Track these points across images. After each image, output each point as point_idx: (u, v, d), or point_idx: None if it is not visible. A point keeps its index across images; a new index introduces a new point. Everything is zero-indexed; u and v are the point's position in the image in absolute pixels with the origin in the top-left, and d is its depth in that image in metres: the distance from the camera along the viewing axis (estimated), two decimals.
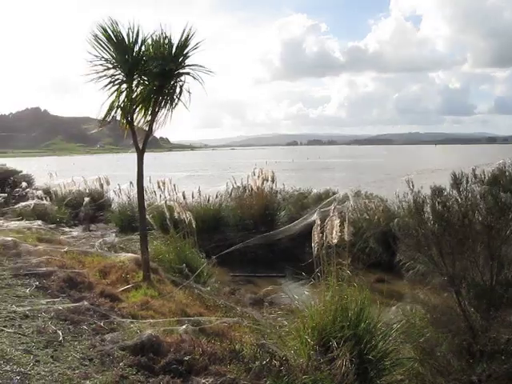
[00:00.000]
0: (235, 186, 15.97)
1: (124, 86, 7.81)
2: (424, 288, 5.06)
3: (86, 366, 4.61)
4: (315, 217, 6.07)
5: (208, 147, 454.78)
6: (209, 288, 8.98)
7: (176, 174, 31.81)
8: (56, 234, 12.79)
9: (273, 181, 15.27)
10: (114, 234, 14.61)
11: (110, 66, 7.77)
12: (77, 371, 4.44)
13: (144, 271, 8.14)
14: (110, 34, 7.56)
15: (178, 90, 7.92)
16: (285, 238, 12.80)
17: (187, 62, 7.87)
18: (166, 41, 7.68)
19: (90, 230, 16.41)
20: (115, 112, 7.94)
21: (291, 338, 5.57)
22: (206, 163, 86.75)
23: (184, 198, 13.41)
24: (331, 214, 5.83)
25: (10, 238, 9.60)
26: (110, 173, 24.41)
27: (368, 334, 5.22)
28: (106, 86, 7.74)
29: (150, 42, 7.72)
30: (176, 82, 7.91)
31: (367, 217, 12.81)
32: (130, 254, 9.62)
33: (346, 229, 5.75)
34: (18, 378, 4.21)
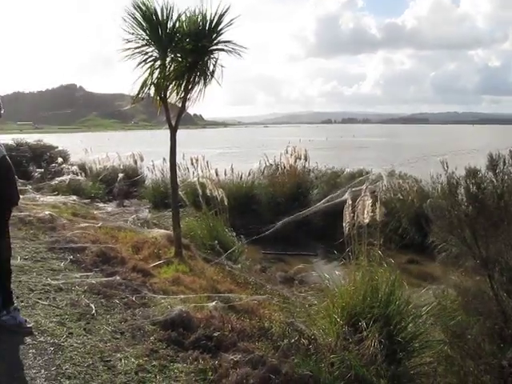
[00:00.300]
0: (268, 164, 15.93)
1: (158, 62, 7.82)
2: (456, 270, 4.98)
3: (118, 339, 4.70)
4: (347, 196, 6.02)
5: (241, 124, 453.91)
6: (240, 265, 9.02)
7: (209, 150, 31.85)
8: (90, 209, 12.99)
9: (306, 159, 15.20)
10: (147, 210, 14.79)
11: (145, 42, 7.78)
12: (108, 344, 4.54)
13: (176, 247, 8.23)
14: (143, 11, 7.56)
15: (211, 66, 7.90)
16: (316, 217, 12.76)
17: (221, 38, 7.84)
18: (200, 17, 7.64)
19: (124, 206, 16.61)
20: (149, 89, 7.98)
21: (320, 317, 5.57)
22: (239, 140, 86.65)
23: (217, 175, 13.44)
24: (363, 194, 5.78)
25: (46, 213, 9.77)
26: (144, 149, 24.54)
27: (398, 315, 5.19)
28: (140, 63, 7.77)
29: (184, 19, 7.69)
30: (209, 58, 7.89)
31: (401, 197, 12.67)
32: (162, 230, 9.72)
33: (378, 209, 5.70)
34: (52, 349, 4.32)
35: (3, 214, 4.81)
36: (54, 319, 4.99)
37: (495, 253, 4.46)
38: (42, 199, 12.44)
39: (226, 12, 7.63)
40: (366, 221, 5.61)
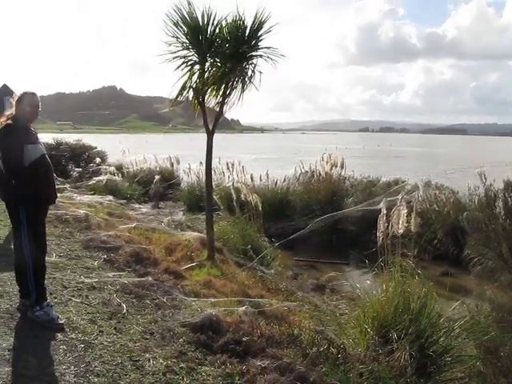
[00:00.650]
0: (303, 171, 15.89)
1: (197, 67, 7.88)
2: (491, 285, 4.89)
3: (147, 339, 4.73)
4: (381, 205, 5.96)
5: (278, 130, 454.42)
6: (272, 271, 9.00)
7: (244, 155, 31.94)
8: (126, 209, 13.14)
9: (342, 167, 15.11)
10: (181, 213, 14.87)
11: (184, 47, 7.85)
12: (138, 344, 4.57)
13: (208, 250, 8.26)
14: (184, 15, 7.63)
15: (249, 72, 7.93)
16: (350, 225, 12.68)
17: (260, 44, 7.86)
18: (240, 23, 7.67)
19: (159, 208, 16.74)
20: (187, 92, 8.04)
21: (350, 327, 5.52)
22: (276, 146, 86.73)
23: (252, 180, 13.46)
24: (398, 204, 5.71)
25: (82, 211, 9.92)
26: (181, 152, 24.74)
27: (429, 328, 5.10)
28: (179, 66, 7.85)
29: (224, 24, 7.73)
30: (248, 64, 7.91)
31: (436, 208, 12.51)
32: (195, 233, 9.76)
33: (413, 219, 5.63)
34: (82, 346, 4.37)
35: (41, 211, 4.90)
36: (86, 317, 5.06)
37: None
38: (79, 198, 12.63)
39: (266, 19, 7.65)
40: (401, 231, 5.54)
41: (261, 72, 7.90)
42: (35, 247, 4.75)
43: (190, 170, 18.12)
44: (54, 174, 5.31)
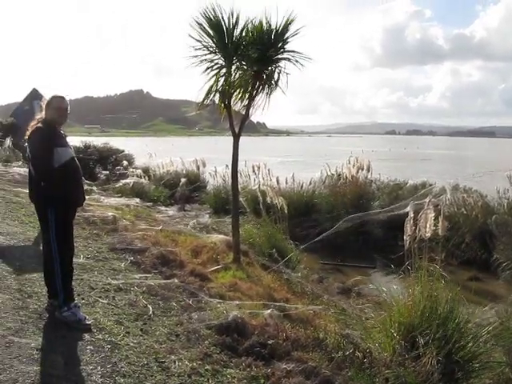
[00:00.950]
0: (329, 174, 15.84)
1: (223, 70, 7.90)
2: None
3: (173, 341, 4.76)
4: (409, 209, 5.91)
5: (304, 133, 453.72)
6: (298, 274, 8.98)
7: (270, 158, 31.93)
8: (152, 212, 13.22)
9: (368, 170, 15.03)
10: (207, 215, 14.92)
11: (211, 50, 7.89)
12: (163, 345, 4.60)
13: (234, 253, 8.27)
14: (210, 19, 7.66)
15: (276, 75, 7.93)
16: (376, 228, 12.59)
17: (286, 47, 7.85)
18: (266, 26, 7.68)
19: (185, 210, 16.81)
20: (213, 96, 8.07)
21: (376, 331, 5.47)
22: (301, 149, 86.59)
23: (278, 183, 13.46)
24: (426, 207, 5.66)
25: (109, 214, 10.01)
26: (207, 155, 24.84)
27: (457, 333, 5.04)
28: (205, 70, 7.89)
29: (250, 28, 7.74)
30: (274, 67, 7.92)
31: (464, 212, 12.35)
32: (221, 236, 9.79)
33: (440, 223, 5.57)
34: (109, 346, 4.42)
35: (69, 213, 4.96)
36: (112, 318, 5.11)
37: None
38: (106, 200, 12.74)
39: (292, 21, 7.64)
40: (428, 235, 5.48)
41: (288, 73, 7.91)
42: (63, 249, 4.81)
43: (216, 173, 18.19)
44: (83, 177, 5.37)
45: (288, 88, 7.94)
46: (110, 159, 22.86)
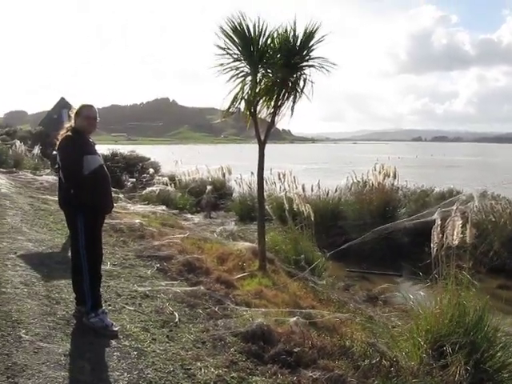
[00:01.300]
0: (355, 181, 15.75)
1: (249, 78, 7.93)
2: None
3: (199, 348, 4.77)
4: (436, 216, 5.86)
5: (330, 140, 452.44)
6: (323, 282, 8.93)
7: (295, 166, 31.88)
8: (178, 219, 13.28)
9: (394, 177, 14.90)
10: (233, 223, 14.94)
11: (236, 58, 7.92)
12: (189, 352, 4.62)
13: (260, 260, 8.26)
14: (236, 27, 7.69)
15: (301, 82, 7.93)
16: (402, 236, 12.47)
17: (312, 54, 7.85)
18: (292, 34, 7.69)
19: (211, 218, 16.86)
20: (239, 103, 8.09)
21: (403, 340, 5.43)
22: (326, 156, 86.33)
23: (303, 190, 13.42)
24: (453, 215, 5.60)
25: (136, 221, 10.10)
26: (233, 162, 24.91)
27: (486, 342, 4.97)
28: (231, 78, 7.91)
29: (276, 35, 7.76)
30: (300, 74, 7.91)
31: (493, 219, 12.19)
32: (247, 243, 9.79)
33: (468, 230, 5.51)
34: (135, 353, 4.45)
35: (98, 220, 5.02)
36: (139, 325, 5.14)
37: None
38: (132, 208, 12.85)
39: (317, 29, 7.64)
40: (456, 242, 5.43)
41: (313, 82, 7.89)
42: (92, 255, 4.87)
43: (242, 181, 18.22)
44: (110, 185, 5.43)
45: (313, 95, 7.93)
46: (136, 167, 23.11)
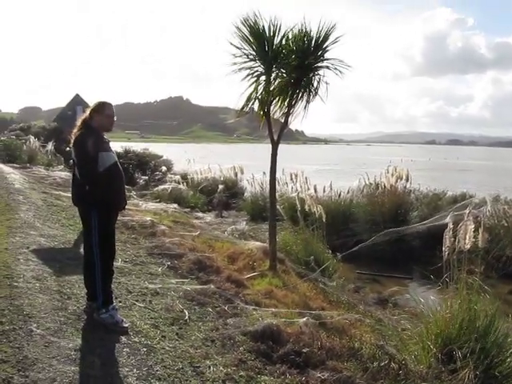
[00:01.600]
0: (367, 183, 15.71)
1: (263, 78, 7.93)
2: None
3: (208, 346, 4.79)
4: (448, 220, 5.84)
5: (343, 142, 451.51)
6: (334, 283, 8.92)
7: (307, 166, 31.86)
8: (190, 217, 13.32)
9: (407, 179, 14.85)
10: (244, 222, 14.94)
11: (251, 58, 7.93)
12: (199, 350, 4.63)
13: (271, 260, 8.26)
14: (251, 27, 7.70)
15: (315, 83, 7.92)
16: (413, 239, 12.43)
17: (326, 55, 7.85)
18: (306, 34, 7.69)
19: (222, 217, 16.88)
20: (253, 103, 8.09)
21: (413, 343, 5.41)
22: (339, 158, 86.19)
23: (315, 191, 13.41)
24: (466, 219, 5.58)
25: (148, 218, 10.14)
26: (245, 162, 24.94)
27: (496, 347, 4.95)
28: (245, 77, 7.93)
29: (290, 36, 7.76)
30: (314, 75, 7.91)
31: (505, 224, 12.11)
32: (258, 243, 9.79)
33: (480, 235, 5.48)
34: (145, 350, 4.47)
35: (111, 217, 5.04)
36: (149, 322, 5.17)
37: None
38: (144, 205, 12.89)
39: (331, 30, 7.64)
40: (468, 246, 5.40)
41: (327, 83, 7.89)
42: (105, 252, 4.90)
43: (254, 180, 18.23)
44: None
45: (327, 96, 7.93)
46: (149, 165, 23.16)
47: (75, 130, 4.92)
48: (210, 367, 4.34)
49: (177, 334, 4.99)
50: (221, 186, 18.74)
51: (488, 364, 4.77)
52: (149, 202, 14.42)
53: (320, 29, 7.63)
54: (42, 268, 6.30)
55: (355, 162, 65.28)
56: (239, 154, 65.10)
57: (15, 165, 18.75)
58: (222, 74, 8.01)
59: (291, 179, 14.61)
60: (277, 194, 10.28)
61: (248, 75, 7.93)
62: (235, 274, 7.40)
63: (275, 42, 7.78)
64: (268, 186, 9.69)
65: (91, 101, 5.20)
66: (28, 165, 19.25)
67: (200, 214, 15.49)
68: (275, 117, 8.38)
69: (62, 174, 16.57)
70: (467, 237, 5.42)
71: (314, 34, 7.67)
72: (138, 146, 26.81)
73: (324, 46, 7.75)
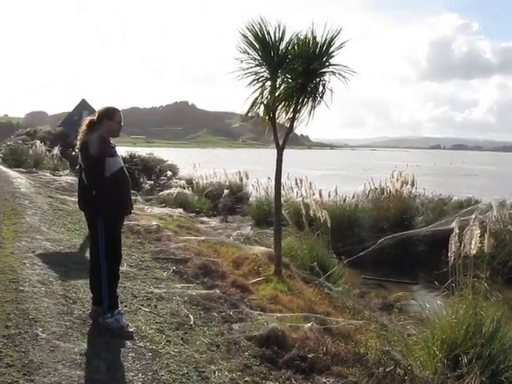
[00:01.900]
0: (373, 188, 15.68)
1: (268, 83, 7.94)
2: None
3: (213, 351, 4.79)
4: (454, 225, 5.82)
5: (348, 147, 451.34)
6: (339, 288, 8.90)
7: (311, 171, 31.83)
8: (195, 222, 13.31)
9: (412, 184, 14.82)
10: (249, 227, 14.92)
11: (256, 63, 7.94)
12: (204, 355, 4.63)
13: (276, 265, 8.25)
14: (257, 32, 7.72)
15: (320, 88, 7.92)
16: (419, 244, 12.39)
17: (331, 60, 7.85)
18: (312, 40, 7.69)
19: (227, 221, 16.86)
20: (258, 108, 8.10)
21: (418, 348, 5.40)
22: (344, 163, 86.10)
23: (320, 196, 13.39)
24: (471, 224, 5.56)
25: (153, 223, 10.15)
26: (250, 167, 24.94)
27: (502, 353, 4.93)
28: (250, 82, 7.94)
29: (296, 41, 7.77)
30: (319, 80, 7.91)
31: (511, 229, 12.06)
32: (263, 248, 9.78)
33: (486, 240, 5.47)
34: (150, 354, 4.47)
35: (118, 221, 5.06)
36: (154, 326, 5.17)
37: None
38: (149, 210, 12.90)
39: (337, 35, 7.64)
40: (473, 251, 5.38)
41: (332, 91, 7.89)
42: (111, 256, 4.91)
43: (259, 185, 18.23)
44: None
45: (332, 101, 7.92)
46: (154, 169, 23.21)
47: (82, 135, 4.94)
48: (215, 372, 4.34)
49: (182, 338, 4.99)
50: (226, 191, 18.73)
51: (494, 370, 4.75)
52: (154, 206, 14.44)
53: (325, 34, 7.63)
54: (48, 272, 6.32)
55: (360, 166, 65.21)
56: (244, 159, 65.13)
57: (21, 169, 18.82)
58: (228, 79, 8.04)
59: (296, 184, 14.59)
60: (282, 199, 10.28)
61: (254, 80, 7.94)
62: (240, 279, 7.39)
63: (281, 48, 7.79)
64: (273, 191, 9.67)
65: (97, 105, 5.22)
66: (34, 169, 19.32)
67: (205, 219, 15.49)
68: (280, 122, 8.37)
69: (68, 178, 16.62)
70: (473, 242, 5.41)
71: (319, 39, 7.67)
72: (143, 151, 26.87)
73: (329, 51, 7.75)
